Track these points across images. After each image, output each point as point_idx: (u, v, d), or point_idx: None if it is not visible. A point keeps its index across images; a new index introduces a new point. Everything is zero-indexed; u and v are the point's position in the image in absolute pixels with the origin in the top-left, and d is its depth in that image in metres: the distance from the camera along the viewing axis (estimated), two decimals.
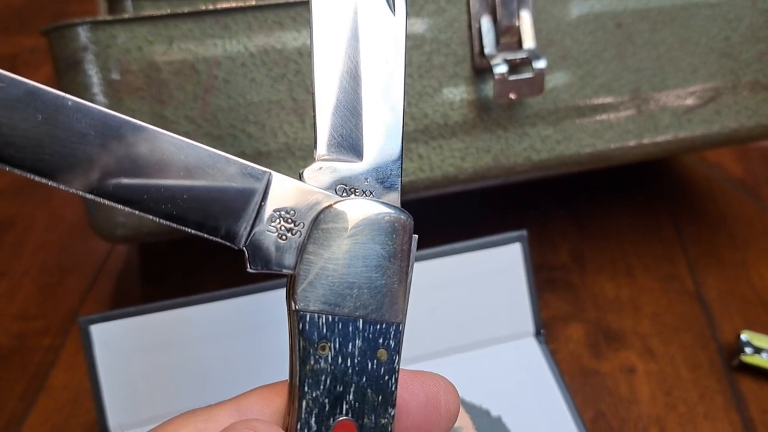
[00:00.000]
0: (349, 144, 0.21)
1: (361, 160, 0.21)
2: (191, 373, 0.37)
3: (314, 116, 0.21)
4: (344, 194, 0.21)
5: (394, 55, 0.21)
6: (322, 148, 0.21)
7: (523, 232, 0.41)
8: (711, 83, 0.43)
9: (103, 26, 0.36)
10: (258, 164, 0.20)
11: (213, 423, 0.20)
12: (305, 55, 0.38)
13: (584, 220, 0.56)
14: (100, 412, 0.36)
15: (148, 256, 0.55)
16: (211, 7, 0.37)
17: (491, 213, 0.56)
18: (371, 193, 0.21)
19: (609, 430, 0.39)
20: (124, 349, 0.36)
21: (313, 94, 0.21)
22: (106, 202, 0.19)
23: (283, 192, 0.20)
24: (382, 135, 0.21)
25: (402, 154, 0.21)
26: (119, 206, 0.19)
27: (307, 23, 0.38)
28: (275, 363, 0.38)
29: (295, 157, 0.39)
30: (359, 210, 0.20)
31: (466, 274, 0.40)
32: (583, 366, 0.43)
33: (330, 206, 0.20)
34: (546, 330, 0.44)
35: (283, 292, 0.38)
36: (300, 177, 0.21)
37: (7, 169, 0.18)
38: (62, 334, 0.48)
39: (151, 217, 0.19)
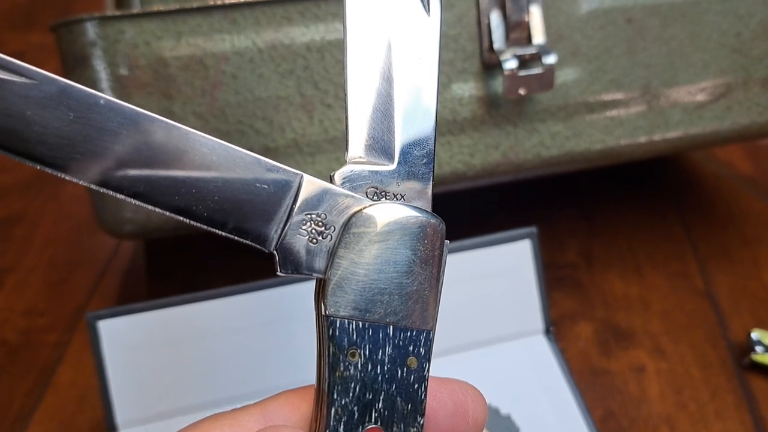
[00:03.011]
0: (381, 147, 0.20)
1: (393, 163, 0.20)
2: (199, 369, 0.37)
3: (346, 118, 0.20)
4: (375, 198, 0.20)
5: (428, 55, 0.21)
6: (353, 151, 0.20)
7: (533, 229, 0.40)
8: (722, 79, 0.43)
9: (112, 21, 0.36)
10: None
11: (239, 428, 0.19)
12: (313, 50, 0.38)
13: (593, 217, 0.55)
14: (108, 408, 0.36)
15: (154, 253, 0.55)
16: (219, 2, 0.36)
17: (499, 211, 0.55)
18: (402, 197, 0.20)
19: (619, 429, 0.39)
20: (132, 344, 0.36)
21: (345, 95, 0.20)
22: (136, 202, 0.18)
23: (314, 195, 0.19)
24: (414, 138, 0.21)
25: (435, 157, 0.21)
26: (150, 207, 0.18)
27: (316, 19, 0.38)
28: (283, 359, 0.37)
29: (302, 153, 0.39)
30: (390, 214, 0.20)
31: (475, 271, 0.39)
32: (592, 365, 0.43)
33: (361, 210, 0.20)
34: (555, 328, 0.44)
35: (291, 288, 0.38)
36: (331, 179, 0.20)
37: (38, 167, 0.17)
38: (69, 331, 0.48)
39: (181, 218, 0.19)
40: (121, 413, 0.36)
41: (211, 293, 0.37)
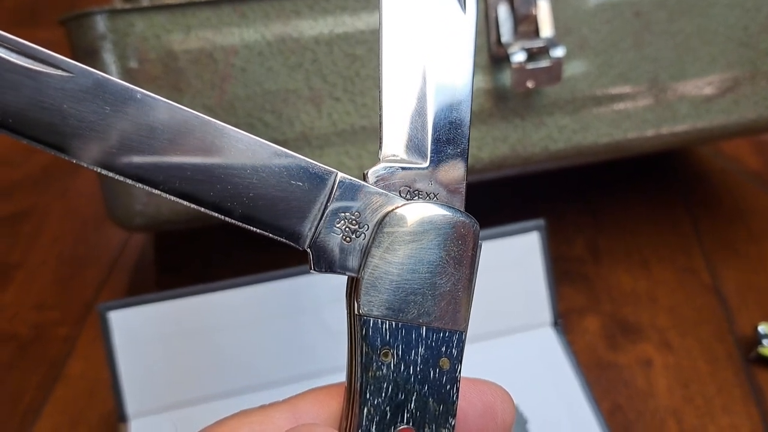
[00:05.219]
0: (415, 145, 0.20)
1: (426, 161, 0.20)
2: (210, 359, 0.37)
3: (380, 116, 0.20)
4: (409, 197, 0.20)
5: (463, 53, 0.21)
6: (387, 149, 0.20)
7: (541, 221, 0.40)
8: (729, 73, 0.43)
9: (122, 15, 0.36)
10: None
11: (269, 425, 0.19)
12: (322, 43, 0.38)
13: (600, 212, 0.55)
14: (118, 399, 0.36)
15: (163, 247, 0.55)
16: None
17: (506, 205, 0.55)
18: (436, 196, 0.20)
19: (626, 423, 0.39)
20: (143, 335, 0.36)
21: (380, 93, 0.20)
22: (170, 197, 0.18)
23: (349, 193, 0.19)
24: (448, 136, 0.20)
25: (468, 156, 0.21)
26: (184, 203, 0.18)
27: (324, 12, 0.38)
28: (292, 350, 0.38)
29: (311, 146, 0.39)
30: (424, 214, 0.20)
31: (483, 263, 0.39)
32: (599, 358, 0.43)
33: (394, 209, 0.19)
34: (562, 321, 0.44)
35: (300, 280, 0.38)
36: (364, 178, 0.20)
37: (74, 161, 0.17)
38: (79, 324, 0.48)
39: (216, 215, 0.19)
40: (132, 404, 0.36)
41: (221, 284, 0.37)
